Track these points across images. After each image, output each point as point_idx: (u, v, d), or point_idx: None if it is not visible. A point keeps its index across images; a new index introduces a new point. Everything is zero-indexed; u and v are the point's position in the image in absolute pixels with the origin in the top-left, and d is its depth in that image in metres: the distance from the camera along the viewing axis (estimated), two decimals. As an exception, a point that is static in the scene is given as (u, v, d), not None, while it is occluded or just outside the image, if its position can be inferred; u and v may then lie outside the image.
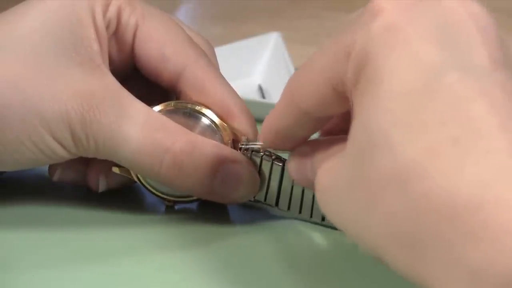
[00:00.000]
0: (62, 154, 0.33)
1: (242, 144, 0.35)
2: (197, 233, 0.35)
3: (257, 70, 0.61)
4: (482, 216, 0.19)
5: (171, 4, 0.97)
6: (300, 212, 0.35)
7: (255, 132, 0.36)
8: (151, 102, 0.35)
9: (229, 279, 0.31)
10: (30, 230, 0.34)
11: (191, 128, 0.35)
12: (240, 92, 0.37)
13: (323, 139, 0.31)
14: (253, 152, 0.35)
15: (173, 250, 0.33)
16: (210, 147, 0.34)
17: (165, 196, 0.36)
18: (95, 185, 0.37)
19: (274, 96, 0.57)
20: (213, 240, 0.34)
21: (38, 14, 0.34)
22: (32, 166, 0.34)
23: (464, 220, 0.19)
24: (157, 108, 0.35)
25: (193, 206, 0.37)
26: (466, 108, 0.21)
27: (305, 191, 0.35)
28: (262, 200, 0.36)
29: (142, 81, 0.37)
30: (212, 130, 0.35)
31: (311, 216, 0.35)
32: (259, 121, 0.37)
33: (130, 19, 0.35)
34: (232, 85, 0.37)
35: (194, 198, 0.36)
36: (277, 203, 0.36)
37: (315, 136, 0.32)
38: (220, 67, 0.38)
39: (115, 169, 0.35)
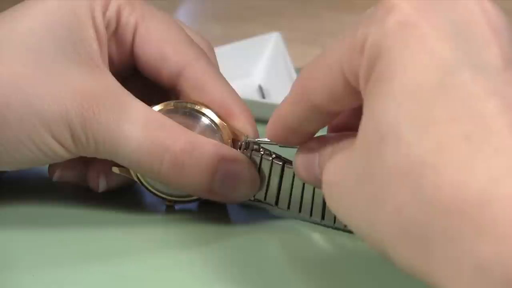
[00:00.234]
0: (62, 153, 0.33)
1: (248, 139, 0.35)
2: (197, 233, 0.35)
3: (257, 70, 0.60)
4: (491, 212, 0.19)
5: (171, 4, 0.97)
6: (300, 211, 0.35)
7: (255, 132, 0.36)
8: (151, 102, 0.35)
9: (229, 279, 0.31)
10: (30, 230, 0.34)
11: (191, 128, 0.35)
12: (240, 92, 0.37)
13: (330, 135, 0.31)
14: (253, 152, 0.35)
15: (173, 250, 0.33)
16: (210, 146, 0.34)
17: (165, 196, 0.36)
18: (95, 185, 0.37)
19: (274, 96, 0.57)
20: (213, 240, 0.34)
21: (38, 14, 0.34)
22: (32, 165, 0.34)
23: (473, 215, 0.20)
24: (157, 107, 0.35)
25: (193, 206, 0.37)
26: (478, 106, 0.21)
27: (305, 191, 0.35)
28: (262, 199, 0.36)
29: (142, 81, 0.37)
30: (212, 130, 0.35)
31: (310, 216, 0.35)
32: (259, 121, 0.37)
33: (129, 18, 0.35)
34: (232, 85, 0.37)
35: (194, 198, 0.36)
36: (276, 203, 0.36)
37: (321, 133, 0.31)
38: (220, 67, 0.38)
39: (115, 169, 0.35)
